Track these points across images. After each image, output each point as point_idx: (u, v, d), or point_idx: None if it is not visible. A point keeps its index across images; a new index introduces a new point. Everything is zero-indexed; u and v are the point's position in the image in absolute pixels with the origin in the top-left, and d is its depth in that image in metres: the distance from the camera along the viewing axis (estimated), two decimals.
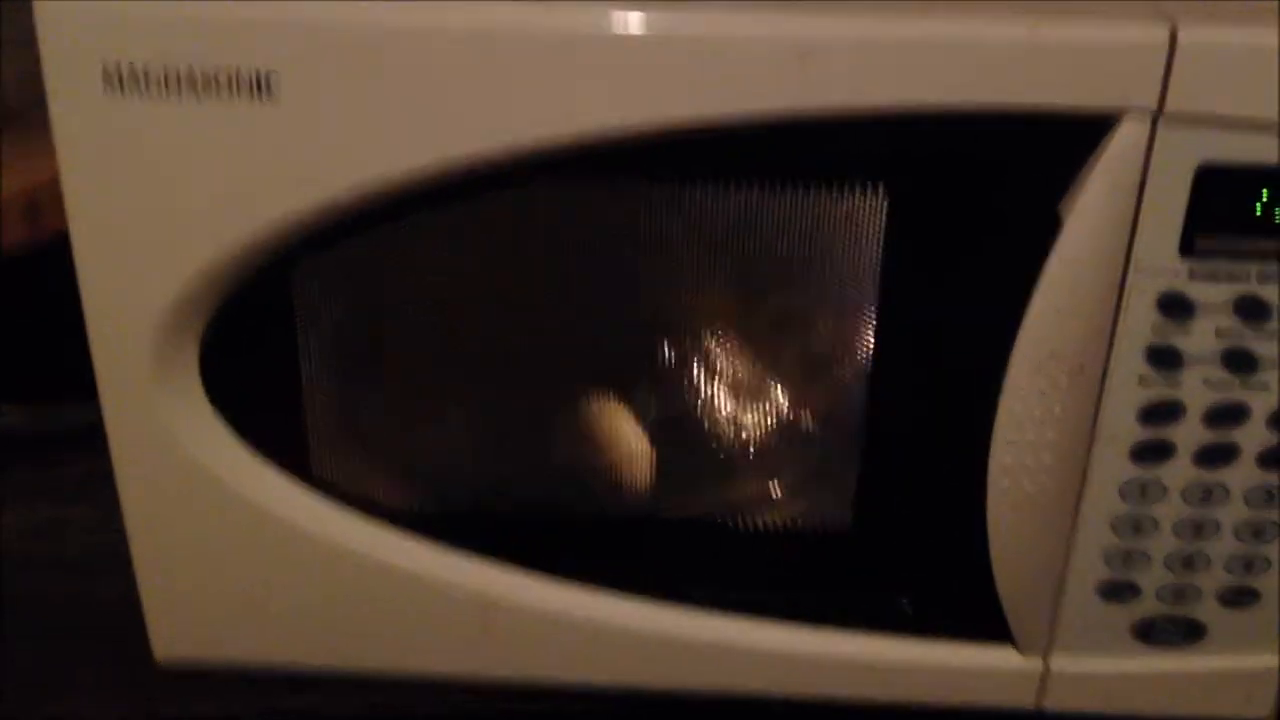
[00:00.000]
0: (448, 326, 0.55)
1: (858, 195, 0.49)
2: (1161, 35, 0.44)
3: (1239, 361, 0.48)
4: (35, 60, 0.46)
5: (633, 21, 0.45)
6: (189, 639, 0.58)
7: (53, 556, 0.70)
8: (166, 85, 0.46)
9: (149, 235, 0.49)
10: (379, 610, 0.56)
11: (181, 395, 0.53)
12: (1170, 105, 0.45)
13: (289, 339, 0.53)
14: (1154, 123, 0.45)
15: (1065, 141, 0.46)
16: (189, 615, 0.57)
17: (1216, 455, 0.50)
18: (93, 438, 0.54)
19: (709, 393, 0.55)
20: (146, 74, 0.46)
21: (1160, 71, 0.45)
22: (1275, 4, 0.47)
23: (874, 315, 0.51)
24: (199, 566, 0.55)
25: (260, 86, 0.46)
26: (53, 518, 0.73)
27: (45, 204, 0.78)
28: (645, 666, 0.56)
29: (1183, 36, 0.44)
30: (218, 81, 0.46)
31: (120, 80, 0.46)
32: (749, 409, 0.56)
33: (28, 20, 0.45)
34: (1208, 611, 0.53)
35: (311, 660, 0.58)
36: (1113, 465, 0.50)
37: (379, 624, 0.56)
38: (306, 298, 0.52)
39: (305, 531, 0.55)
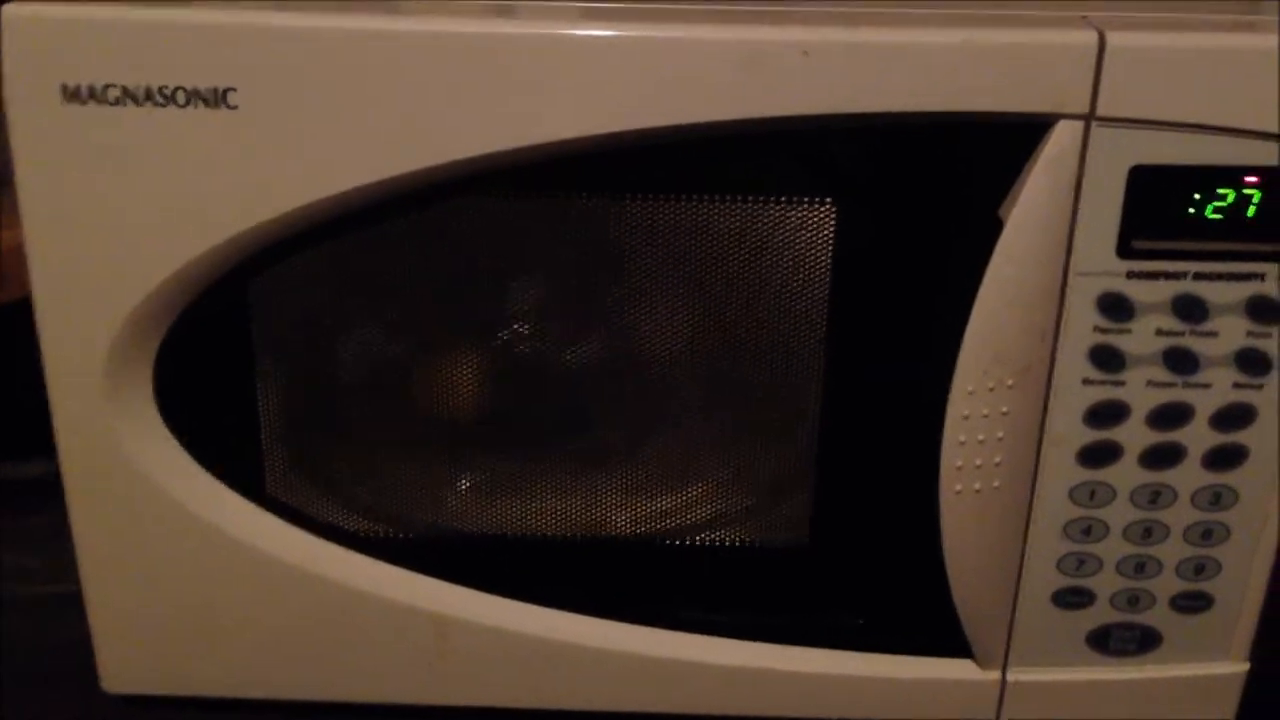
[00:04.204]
0: (404, 344, 0.55)
1: (804, 205, 0.50)
2: (1091, 41, 0.46)
3: (1180, 361, 0.49)
4: None
5: (580, 32, 0.46)
6: (138, 669, 0.57)
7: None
8: (125, 97, 0.47)
9: (106, 247, 0.49)
10: (333, 632, 0.55)
11: (135, 412, 0.53)
12: (1102, 109, 0.46)
13: (245, 356, 0.53)
14: (1087, 126, 0.47)
15: (1003, 146, 0.48)
16: (139, 643, 0.56)
17: (1162, 457, 0.51)
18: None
19: (660, 408, 0.56)
20: (105, 88, 0.47)
21: (1091, 76, 0.46)
22: (1195, 13, 0.49)
23: (823, 325, 0.52)
24: (150, 588, 0.55)
25: (219, 99, 0.47)
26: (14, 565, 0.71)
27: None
28: (599, 686, 0.56)
29: (1111, 41, 0.46)
30: (176, 95, 0.47)
31: (79, 91, 0.47)
32: (701, 424, 0.56)
33: None
34: (1162, 618, 0.53)
35: (263, 688, 0.57)
36: (1062, 467, 0.51)
37: (333, 647, 0.55)
38: (263, 313, 0.53)
39: (259, 551, 0.54)
